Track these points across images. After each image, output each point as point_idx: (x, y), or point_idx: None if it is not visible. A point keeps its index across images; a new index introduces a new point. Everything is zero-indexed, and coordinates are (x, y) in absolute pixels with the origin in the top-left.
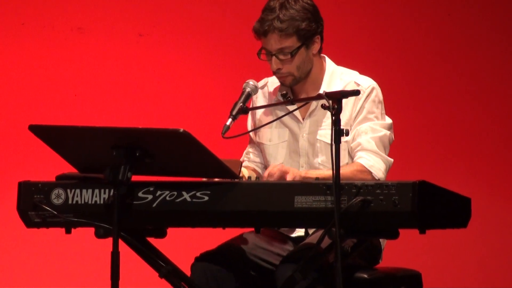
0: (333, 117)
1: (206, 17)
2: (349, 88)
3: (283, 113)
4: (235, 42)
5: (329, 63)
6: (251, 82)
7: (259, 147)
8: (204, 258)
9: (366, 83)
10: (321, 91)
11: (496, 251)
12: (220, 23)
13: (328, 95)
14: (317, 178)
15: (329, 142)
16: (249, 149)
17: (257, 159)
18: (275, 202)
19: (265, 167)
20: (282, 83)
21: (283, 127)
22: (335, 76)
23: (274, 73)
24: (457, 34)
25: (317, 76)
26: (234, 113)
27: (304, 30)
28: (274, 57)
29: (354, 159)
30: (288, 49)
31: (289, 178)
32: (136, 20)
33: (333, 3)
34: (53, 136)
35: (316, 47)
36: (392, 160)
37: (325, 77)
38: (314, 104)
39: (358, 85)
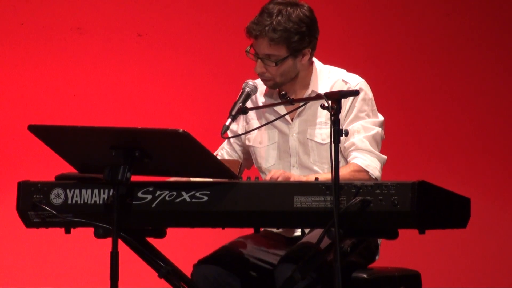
0: (332, 118)
1: (205, 17)
2: (337, 86)
3: (271, 116)
4: (234, 42)
5: (316, 62)
6: (251, 82)
7: (249, 150)
8: (203, 262)
9: (354, 81)
10: (309, 91)
11: (495, 251)
12: (219, 23)
13: (327, 95)
14: (316, 178)
15: (320, 141)
16: (224, 145)
17: (228, 158)
18: (274, 202)
19: (245, 167)
20: (264, 84)
21: (272, 129)
22: (323, 75)
23: (258, 75)
24: (457, 34)
25: (305, 76)
26: (233, 113)
27: (295, 43)
28: (259, 60)
29: (349, 159)
30: (274, 57)
31: None
32: (135, 20)
33: (331, 1)
34: (52, 136)
35: (305, 58)
36: (385, 157)
37: (313, 76)
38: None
39: (346, 83)
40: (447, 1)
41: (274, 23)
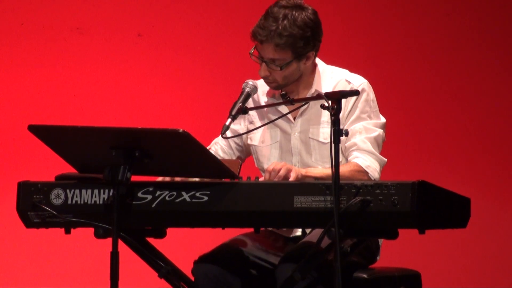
0: (333, 117)
1: (205, 17)
2: (340, 86)
3: (274, 115)
4: (234, 42)
5: (319, 63)
6: (251, 82)
7: (250, 149)
8: (203, 260)
9: (357, 82)
10: (312, 91)
11: (495, 251)
12: (219, 23)
13: (328, 95)
14: (316, 178)
15: (322, 140)
16: (219, 141)
17: (222, 155)
18: (274, 202)
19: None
20: (268, 86)
21: (274, 128)
22: (326, 75)
23: (261, 77)
24: (457, 34)
25: (308, 76)
26: (233, 113)
27: (300, 48)
28: (264, 64)
29: (350, 158)
30: (279, 62)
31: (292, 176)
32: (135, 20)
33: (331, 1)
34: (52, 136)
35: (309, 61)
36: (385, 159)
37: (316, 76)
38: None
39: (349, 83)
40: (447, 1)
41: (280, 28)
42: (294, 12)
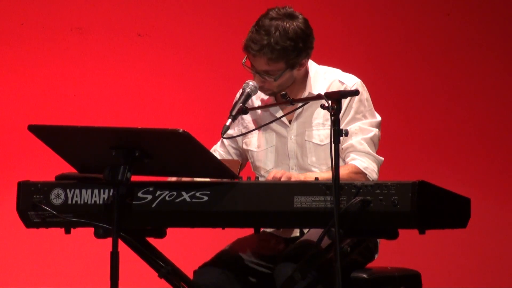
0: (332, 117)
1: (205, 17)
2: (334, 86)
3: (268, 120)
4: (234, 42)
5: (310, 64)
6: (251, 82)
7: (246, 154)
8: (204, 267)
9: (351, 82)
10: (306, 93)
11: (495, 251)
12: (219, 23)
13: (328, 95)
14: (316, 178)
15: (318, 142)
16: (217, 148)
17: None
18: (274, 202)
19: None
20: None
21: (270, 132)
22: (319, 76)
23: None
24: (457, 34)
25: (301, 79)
26: (233, 113)
27: (293, 59)
28: (257, 75)
29: (347, 160)
30: (273, 73)
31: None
32: (135, 20)
33: (331, 1)
34: (52, 136)
35: (302, 67)
36: (382, 158)
37: (308, 79)
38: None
39: (343, 83)
40: (447, 1)
41: (272, 41)
42: (285, 24)
